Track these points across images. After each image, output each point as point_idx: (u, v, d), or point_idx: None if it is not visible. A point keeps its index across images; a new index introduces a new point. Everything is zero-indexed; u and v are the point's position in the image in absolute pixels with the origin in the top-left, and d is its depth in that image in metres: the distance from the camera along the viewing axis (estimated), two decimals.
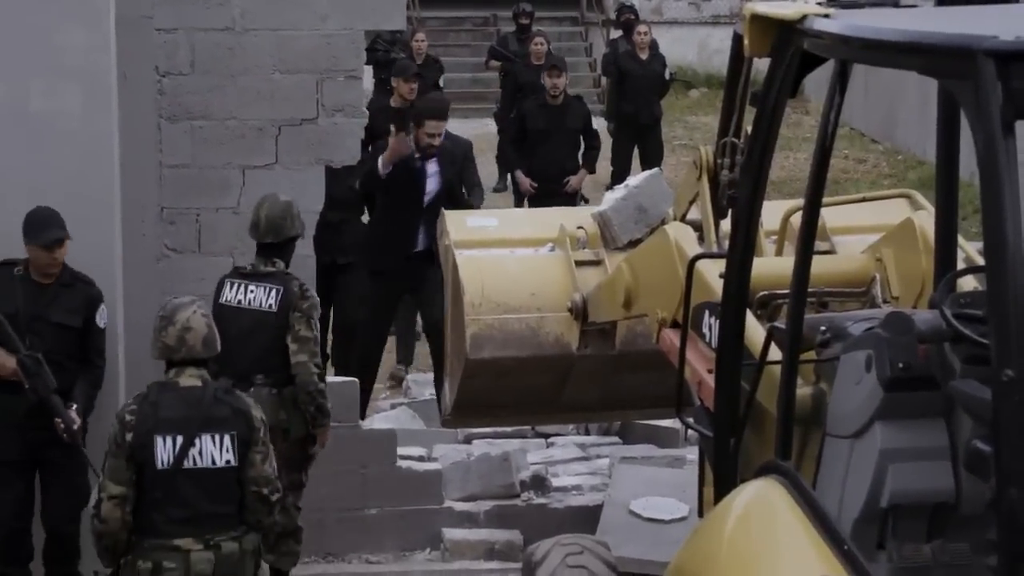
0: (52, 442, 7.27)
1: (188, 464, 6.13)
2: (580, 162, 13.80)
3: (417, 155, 9.78)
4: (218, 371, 6.76)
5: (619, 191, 7.79)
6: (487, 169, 14.47)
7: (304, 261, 8.18)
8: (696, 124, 21.88)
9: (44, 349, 7.22)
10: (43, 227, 7.27)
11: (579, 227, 7.67)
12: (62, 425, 7.20)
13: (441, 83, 16.76)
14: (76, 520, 7.41)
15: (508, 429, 9.58)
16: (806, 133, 20.12)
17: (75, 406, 7.28)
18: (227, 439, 6.16)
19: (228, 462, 6.17)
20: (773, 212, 6.21)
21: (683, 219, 6.67)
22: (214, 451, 6.17)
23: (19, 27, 7.54)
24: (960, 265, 5.34)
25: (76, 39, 7.59)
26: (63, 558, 7.46)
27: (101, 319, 7.44)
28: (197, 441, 6.14)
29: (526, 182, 13.69)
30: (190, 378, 6.21)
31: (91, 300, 7.42)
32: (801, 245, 4.58)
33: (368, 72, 13.09)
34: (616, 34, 19.85)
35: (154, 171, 8.11)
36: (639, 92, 16.64)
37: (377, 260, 9.89)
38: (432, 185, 9.89)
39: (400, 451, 8.67)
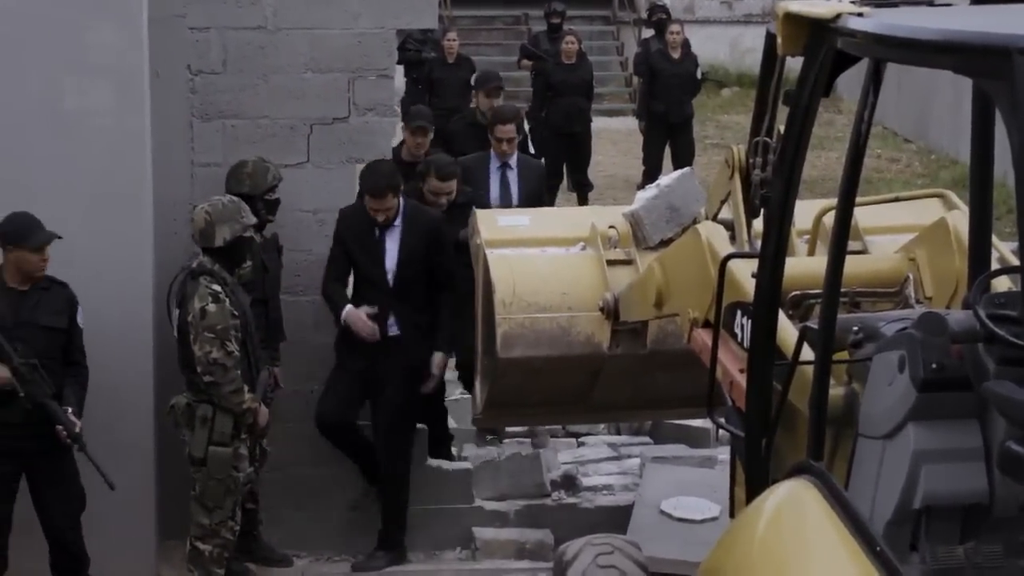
0: (42, 450, 7.23)
1: (173, 328, 7.51)
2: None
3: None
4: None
5: (651, 190, 7.77)
6: None
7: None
8: (728, 123, 21.85)
9: (35, 355, 7.16)
10: (31, 230, 7.19)
11: (611, 226, 7.65)
12: (64, 431, 7.14)
13: (472, 82, 16.75)
14: (77, 527, 7.40)
15: (539, 428, 9.57)
16: (838, 132, 20.06)
17: (70, 409, 7.21)
18: (178, 314, 7.44)
19: (175, 335, 7.48)
20: (806, 212, 6.19)
21: (715, 218, 6.65)
22: (175, 321, 7.49)
23: (52, 25, 7.57)
24: (994, 265, 5.31)
25: (109, 37, 7.62)
26: (71, 566, 7.46)
27: (80, 319, 7.39)
28: (172, 311, 7.51)
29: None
30: (197, 260, 7.45)
31: (71, 300, 7.36)
32: (834, 245, 4.56)
33: (400, 71, 13.09)
34: (648, 33, 19.83)
35: (186, 169, 8.13)
36: (670, 91, 16.63)
37: None
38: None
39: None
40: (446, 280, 8.24)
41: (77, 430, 7.18)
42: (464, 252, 8.33)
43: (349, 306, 8.05)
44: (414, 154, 10.09)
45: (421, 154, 10.09)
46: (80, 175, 7.64)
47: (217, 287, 7.36)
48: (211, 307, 7.32)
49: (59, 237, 7.22)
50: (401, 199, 8.13)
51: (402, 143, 9.93)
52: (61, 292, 7.35)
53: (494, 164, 9.81)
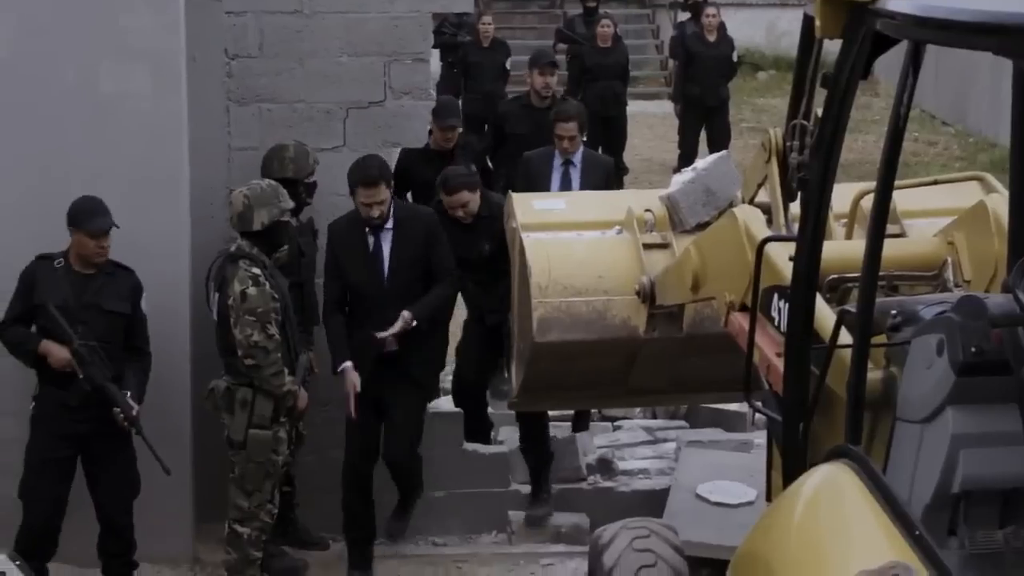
0: (100, 434, 7.29)
1: (212, 312, 7.53)
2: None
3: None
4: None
5: (687, 174, 7.74)
6: None
7: None
8: (764, 106, 21.78)
9: (95, 338, 7.23)
10: (92, 215, 7.25)
11: (647, 210, 7.63)
12: (121, 414, 7.22)
13: (508, 66, 16.74)
14: (129, 512, 7.46)
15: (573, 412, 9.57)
16: (876, 115, 19.97)
17: (129, 393, 7.29)
18: (218, 297, 7.45)
19: (214, 319, 7.50)
20: (843, 195, 6.15)
21: (751, 202, 6.62)
22: (214, 305, 7.51)
23: (88, 9, 7.59)
24: None
25: (145, 21, 7.64)
26: (119, 550, 7.52)
27: (145, 306, 7.46)
28: (211, 295, 7.52)
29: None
30: (234, 243, 7.49)
31: (136, 287, 7.43)
32: (872, 228, 4.54)
33: (436, 55, 13.07)
34: (683, 16, 19.77)
35: (223, 154, 8.15)
36: (706, 74, 16.59)
37: None
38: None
39: None
40: (443, 275, 8.03)
41: (134, 413, 7.24)
42: (487, 266, 8.36)
43: (349, 364, 7.84)
44: (442, 146, 10.09)
45: (449, 147, 10.09)
46: (117, 159, 7.67)
47: (256, 270, 7.38)
48: (251, 290, 7.34)
49: (116, 226, 7.26)
50: (392, 200, 7.96)
51: (431, 131, 9.91)
52: (127, 278, 7.41)
53: (557, 161, 9.54)
